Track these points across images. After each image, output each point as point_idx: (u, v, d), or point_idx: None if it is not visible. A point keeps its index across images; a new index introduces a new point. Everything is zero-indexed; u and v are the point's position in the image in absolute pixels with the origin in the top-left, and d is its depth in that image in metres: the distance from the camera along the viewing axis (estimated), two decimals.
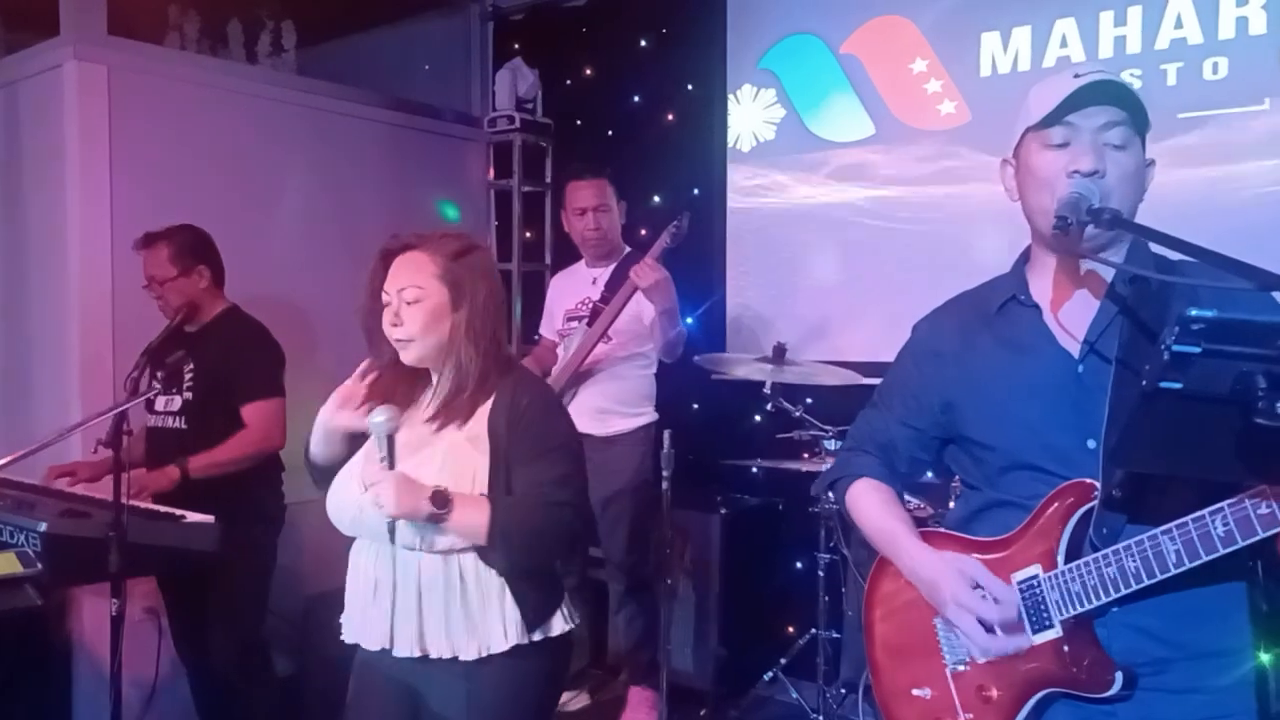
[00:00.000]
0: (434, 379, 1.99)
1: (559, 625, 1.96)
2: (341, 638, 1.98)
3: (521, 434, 1.88)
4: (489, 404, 1.91)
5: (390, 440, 1.84)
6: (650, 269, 3.27)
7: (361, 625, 1.93)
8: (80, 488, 2.94)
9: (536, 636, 1.90)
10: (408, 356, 1.92)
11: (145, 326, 3.08)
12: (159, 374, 2.79)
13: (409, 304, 1.88)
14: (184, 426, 3.04)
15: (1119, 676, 1.37)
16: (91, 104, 3.48)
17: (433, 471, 1.85)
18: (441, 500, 1.78)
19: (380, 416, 1.83)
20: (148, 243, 3.08)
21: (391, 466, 1.82)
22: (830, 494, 1.80)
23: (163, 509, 2.69)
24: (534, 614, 1.90)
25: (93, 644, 3.34)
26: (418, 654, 1.86)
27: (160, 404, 3.07)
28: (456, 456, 1.88)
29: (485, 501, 1.83)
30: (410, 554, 1.86)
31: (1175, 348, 1.03)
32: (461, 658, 1.85)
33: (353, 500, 1.90)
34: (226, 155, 3.84)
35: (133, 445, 2.96)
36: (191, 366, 3.03)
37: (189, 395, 3.03)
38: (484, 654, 1.86)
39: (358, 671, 2.00)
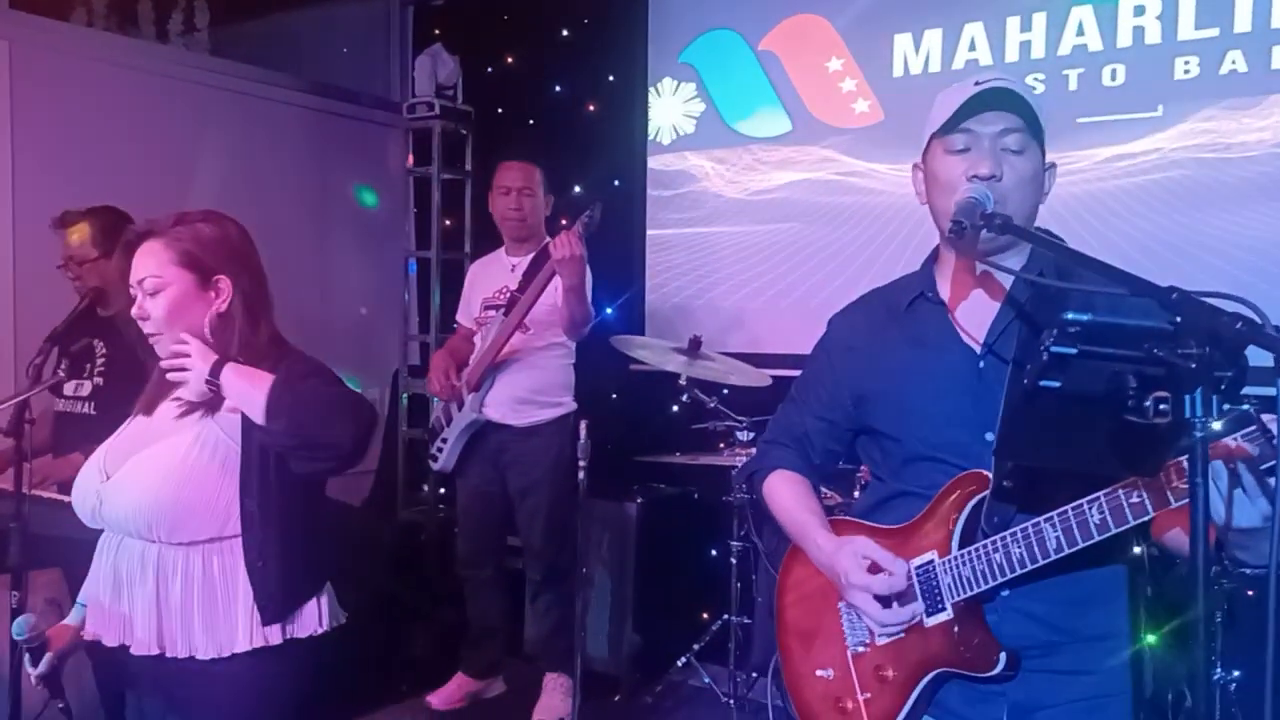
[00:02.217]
0: None
1: (309, 625, 1.84)
2: (82, 633, 1.88)
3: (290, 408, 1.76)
4: None
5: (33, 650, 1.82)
6: (570, 241, 3.25)
7: (101, 620, 1.83)
8: None
9: (277, 638, 1.79)
10: (163, 350, 1.83)
11: (49, 311, 3.00)
12: (65, 360, 2.72)
13: (150, 296, 1.79)
14: (93, 413, 2.96)
15: (1002, 658, 1.45)
16: None
17: (176, 461, 1.75)
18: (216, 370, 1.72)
19: (20, 626, 1.79)
20: (66, 222, 2.99)
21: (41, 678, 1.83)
22: (748, 485, 1.85)
23: (66, 498, 2.62)
24: (275, 608, 1.78)
25: None
26: (155, 651, 1.76)
27: (69, 389, 2.99)
28: (205, 446, 1.77)
29: (263, 377, 1.73)
30: (151, 546, 1.77)
31: (1053, 349, 1.09)
32: (198, 657, 1.75)
33: (94, 490, 1.81)
34: (136, 137, 3.75)
35: (37, 430, 2.88)
36: (104, 352, 2.95)
37: (99, 381, 2.95)
38: (223, 654, 1.75)
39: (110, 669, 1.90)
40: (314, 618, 1.85)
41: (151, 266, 1.79)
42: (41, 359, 2.61)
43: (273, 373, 1.76)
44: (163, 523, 1.74)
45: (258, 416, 1.70)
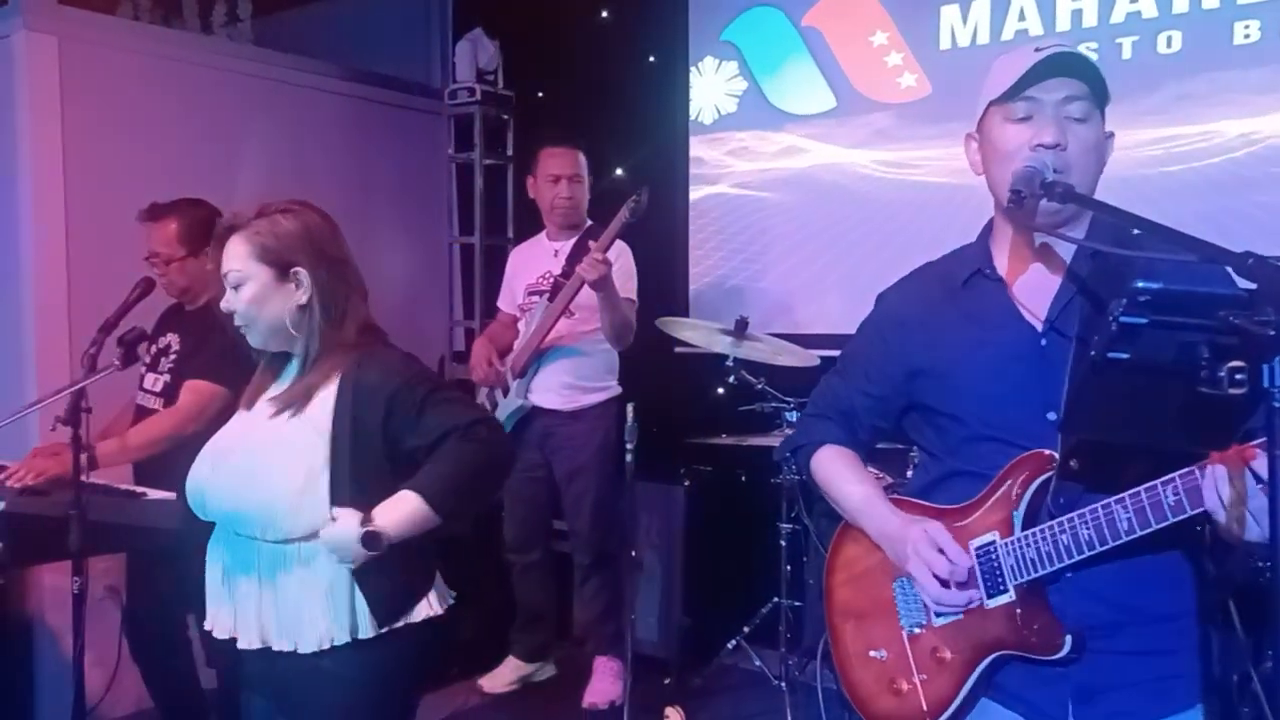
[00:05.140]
0: (292, 363, 1.92)
1: (422, 610, 1.85)
2: (204, 623, 1.91)
3: (390, 412, 1.78)
4: (333, 389, 1.81)
5: None
6: (593, 265, 3.22)
7: (213, 613, 1.87)
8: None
9: (388, 628, 1.80)
10: (253, 341, 1.88)
11: (103, 301, 3.03)
12: (143, 348, 2.72)
13: (234, 289, 1.84)
14: (161, 409, 2.98)
15: (1068, 640, 1.41)
16: (42, 75, 3.41)
17: (264, 461, 1.78)
18: (372, 541, 1.71)
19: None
20: (153, 215, 2.92)
21: None
22: (792, 459, 1.81)
23: (123, 486, 2.65)
24: (388, 606, 1.80)
25: (54, 623, 3.31)
26: (259, 645, 1.79)
27: (149, 382, 2.98)
28: (293, 446, 1.78)
29: (406, 496, 1.75)
30: (249, 541, 1.79)
31: (1123, 319, 1.05)
32: (300, 650, 1.76)
33: (200, 484, 1.84)
34: (182, 128, 3.78)
35: (119, 422, 2.94)
36: (178, 346, 2.94)
37: (167, 377, 2.95)
38: (324, 646, 1.76)
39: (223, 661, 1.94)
40: (423, 608, 1.86)
41: (234, 261, 1.84)
42: (96, 349, 2.63)
43: (344, 376, 1.80)
44: (254, 522, 1.77)
45: (433, 523, 1.77)
